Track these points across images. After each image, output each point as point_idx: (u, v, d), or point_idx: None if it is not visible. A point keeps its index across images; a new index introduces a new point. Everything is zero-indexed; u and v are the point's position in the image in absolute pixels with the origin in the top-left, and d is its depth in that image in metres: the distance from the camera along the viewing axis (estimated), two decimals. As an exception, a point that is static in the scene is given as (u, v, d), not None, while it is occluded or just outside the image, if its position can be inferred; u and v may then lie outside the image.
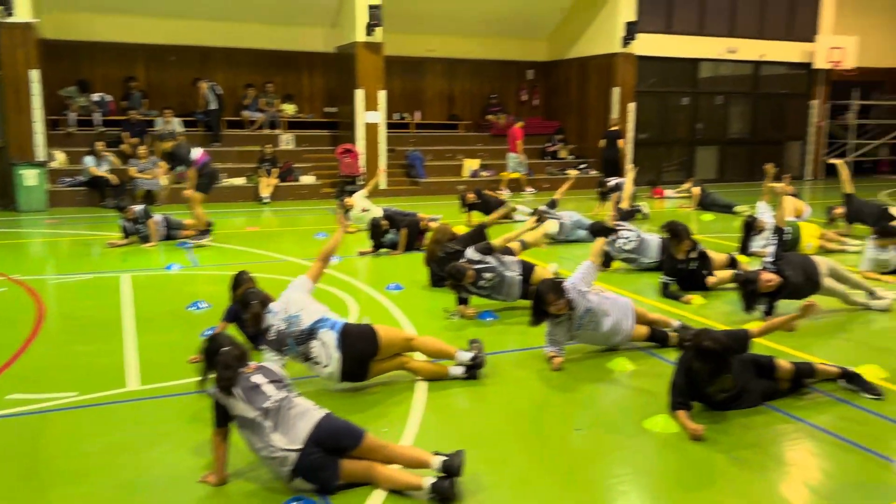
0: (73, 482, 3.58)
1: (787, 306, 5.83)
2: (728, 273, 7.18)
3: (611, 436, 4.11)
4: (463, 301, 6.41)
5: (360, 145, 15.39)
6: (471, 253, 6.49)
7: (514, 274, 6.46)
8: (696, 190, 13.54)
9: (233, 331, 5.05)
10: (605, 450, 3.96)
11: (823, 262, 6.36)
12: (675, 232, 7.05)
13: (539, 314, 5.03)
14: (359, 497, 3.37)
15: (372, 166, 14.98)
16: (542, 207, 10.21)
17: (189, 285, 7.66)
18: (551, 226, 9.54)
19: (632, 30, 16.74)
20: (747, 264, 7.88)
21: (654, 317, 5.65)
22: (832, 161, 10.98)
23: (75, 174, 13.90)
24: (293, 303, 4.55)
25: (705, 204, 13.23)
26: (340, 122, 16.65)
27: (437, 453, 3.42)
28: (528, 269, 6.59)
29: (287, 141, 16.26)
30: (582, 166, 17.78)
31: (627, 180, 10.14)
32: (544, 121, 19.17)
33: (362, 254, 9.23)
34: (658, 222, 10.77)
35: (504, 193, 14.89)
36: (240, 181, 14.92)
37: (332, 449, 3.39)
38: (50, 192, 13.32)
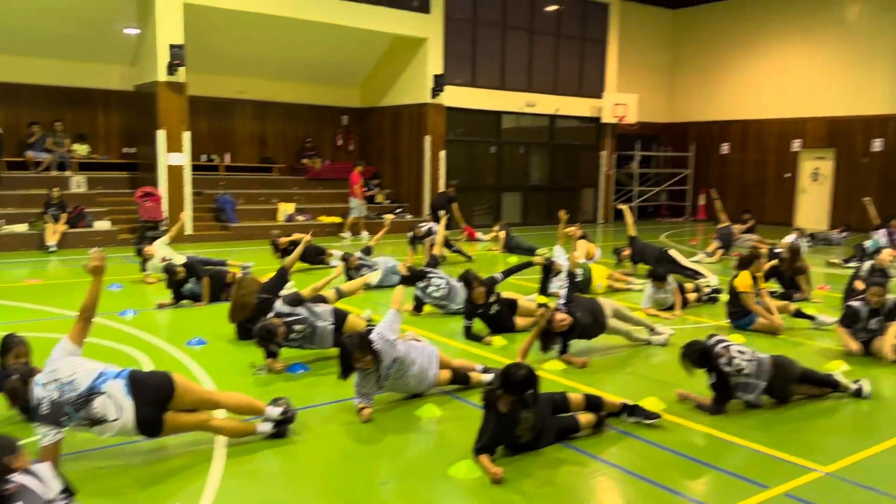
0: None
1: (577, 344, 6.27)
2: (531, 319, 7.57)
3: (417, 485, 4.13)
4: (272, 355, 6.19)
5: (163, 188, 14.54)
6: (279, 306, 6.31)
7: (325, 324, 6.37)
8: (503, 234, 14.33)
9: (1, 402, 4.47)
10: (409, 501, 3.97)
11: (608, 304, 6.94)
12: (467, 281, 7.34)
13: (346, 369, 5.00)
14: None
15: (176, 211, 14.18)
16: (357, 254, 10.22)
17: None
18: (374, 277, 9.58)
19: (440, 82, 17.53)
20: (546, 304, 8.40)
21: (458, 363, 5.82)
22: (620, 206, 12.16)
23: None
24: (61, 370, 4.10)
25: (510, 247, 14.00)
26: (140, 164, 15.66)
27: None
28: (341, 317, 6.53)
29: (78, 183, 14.96)
30: (398, 211, 18.13)
31: (440, 227, 10.47)
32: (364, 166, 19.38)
33: (161, 306, 8.62)
34: (474, 265, 11.27)
35: (346, 236, 16.00)
36: (21, 228, 13.46)
37: None
38: None
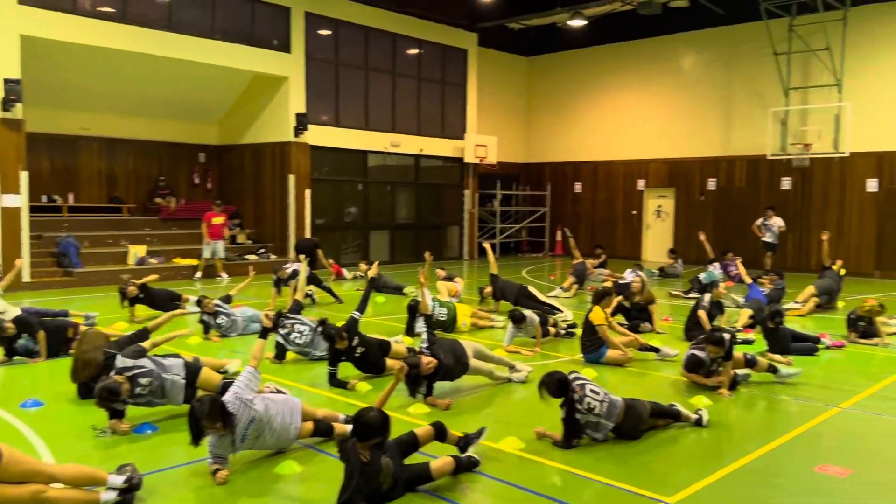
0: None
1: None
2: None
3: (275, 551, 3.95)
4: (117, 414, 5.74)
5: (-4, 232, 13.31)
6: (120, 361, 5.88)
7: (175, 377, 6.01)
8: (373, 270, 14.20)
9: None
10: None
11: (469, 345, 7.08)
12: (329, 337, 7.04)
13: (197, 435, 4.73)
14: None
15: (10, 257, 12.97)
16: (216, 301, 9.79)
17: None
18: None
19: (302, 121, 17.36)
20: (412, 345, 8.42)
21: (322, 413, 5.67)
22: (484, 244, 12.52)
23: None
24: None
25: (378, 286, 13.93)
26: (-31, 206, 14.24)
27: None
28: (193, 371, 6.18)
29: None
30: (261, 251, 17.63)
31: (301, 271, 10.25)
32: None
33: (-9, 365, 7.82)
34: (343, 307, 11.12)
35: (198, 276, 15.56)
36: None
37: None
38: None
